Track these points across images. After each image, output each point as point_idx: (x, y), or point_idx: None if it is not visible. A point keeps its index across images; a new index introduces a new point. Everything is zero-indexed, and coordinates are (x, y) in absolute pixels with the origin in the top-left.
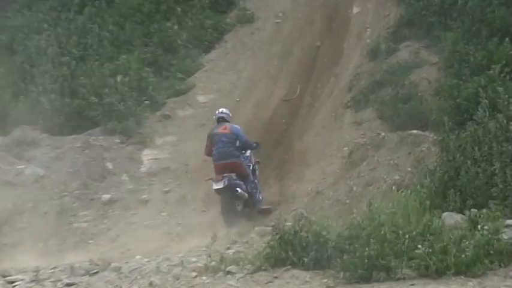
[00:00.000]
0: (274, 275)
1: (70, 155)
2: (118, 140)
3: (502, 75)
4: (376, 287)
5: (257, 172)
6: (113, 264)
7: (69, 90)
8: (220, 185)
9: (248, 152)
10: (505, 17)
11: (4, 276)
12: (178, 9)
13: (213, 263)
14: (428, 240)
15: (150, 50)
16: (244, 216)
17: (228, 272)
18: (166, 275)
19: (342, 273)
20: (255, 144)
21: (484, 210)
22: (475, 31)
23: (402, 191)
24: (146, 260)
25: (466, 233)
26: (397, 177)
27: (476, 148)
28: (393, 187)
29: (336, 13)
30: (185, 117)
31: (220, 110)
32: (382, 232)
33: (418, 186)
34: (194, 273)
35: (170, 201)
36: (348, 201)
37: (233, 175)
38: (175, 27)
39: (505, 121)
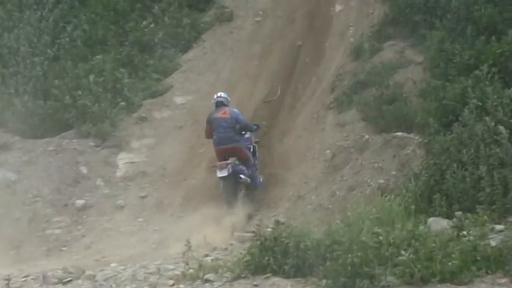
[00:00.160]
0: (254, 283)
1: (43, 158)
2: (92, 143)
3: (489, 75)
4: None
5: (257, 153)
6: (87, 272)
7: (41, 91)
8: (224, 173)
9: (248, 133)
10: (491, 15)
11: None
12: (156, 7)
13: (191, 270)
14: (413, 246)
15: (126, 50)
16: (245, 203)
17: (207, 280)
18: (143, 283)
19: (324, 281)
20: (255, 127)
21: (471, 215)
22: (461, 30)
23: (386, 196)
24: (122, 267)
25: (452, 238)
26: (381, 181)
27: (463, 151)
28: (377, 191)
29: (318, 11)
30: (162, 119)
31: (219, 94)
32: (366, 238)
33: (403, 191)
34: (171, 282)
35: (147, 206)
36: (330, 206)
37: (235, 160)
38: (152, 26)
39: (492, 123)
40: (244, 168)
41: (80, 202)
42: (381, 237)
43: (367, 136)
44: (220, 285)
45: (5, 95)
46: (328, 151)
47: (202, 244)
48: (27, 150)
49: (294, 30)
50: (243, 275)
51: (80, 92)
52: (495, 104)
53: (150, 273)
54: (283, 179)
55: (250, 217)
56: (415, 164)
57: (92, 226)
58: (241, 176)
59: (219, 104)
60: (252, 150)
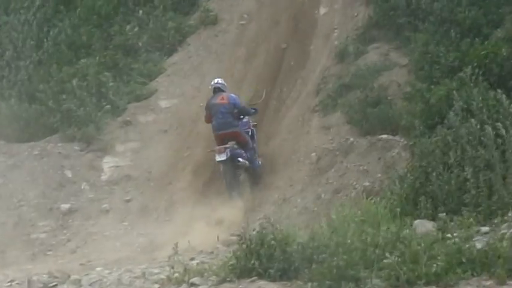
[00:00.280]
0: (240, 286)
1: (28, 163)
2: (77, 147)
3: (473, 77)
4: None
5: (255, 136)
6: (73, 277)
7: (26, 95)
8: (223, 157)
9: (246, 117)
10: (476, 17)
11: None
12: (140, 11)
13: (176, 274)
14: (399, 249)
15: (110, 54)
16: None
17: (192, 284)
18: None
19: (309, 284)
20: (253, 110)
21: (456, 217)
22: (446, 32)
23: (372, 198)
24: (107, 271)
25: (437, 240)
26: (366, 183)
27: (448, 153)
28: (363, 194)
29: (303, 14)
30: (147, 123)
31: (216, 81)
32: (351, 241)
33: (388, 193)
34: (157, 285)
35: (132, 210)
36: (316, 209)
37: (234, 144)
38: (136, 29)
39: (478, 125)
40: (243, 151)
41: (65, 206)
42: (366, 240)
43: (352, 139)
44: None
45: None
46: (313, 154)
47: (187, 248)
48: (12, 155)
49: (278, 33)
50: (228, 279)
51: (64, 96)
52: (480, 106)
53: (136, 277)
54: (268, 182)
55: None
56: (400, 166)
57: (77, 230)
58: (240, 159)
59: (217, 90)
60: (250, 133)
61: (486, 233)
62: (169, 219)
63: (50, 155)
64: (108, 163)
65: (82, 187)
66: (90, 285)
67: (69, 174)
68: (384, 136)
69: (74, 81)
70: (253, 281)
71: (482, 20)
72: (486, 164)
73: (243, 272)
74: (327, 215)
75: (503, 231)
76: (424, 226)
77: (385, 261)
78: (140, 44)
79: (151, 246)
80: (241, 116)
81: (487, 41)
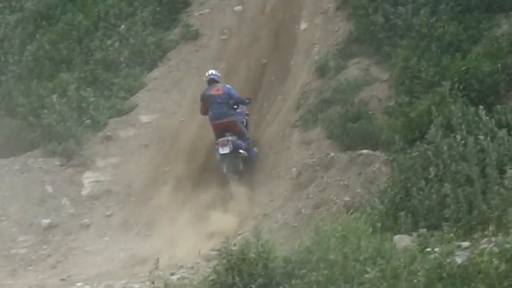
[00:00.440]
0: None
1: (8, 178)
2: (58, 162)
3: (453, 92)
4: None
5: (248, 125)
6: None
7: (6, 110)
8: (227, 150)
9: (240, 107)
10: (455, 32)
11: None
12: (121, 26)
13: None
14: (379, 264)
15: (91, 69)
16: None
17: None
18: None
19: None
20: (247, 100)
21: (437, 232)
22: (426, 47)
23: (352, 213)
24: (88, 287)
25: (417, 255)
26: (347, 198)
27: (428, 168)
28: (343, 209)
29: (283, 29)
30: (128, 138)
31: (210, 72)
32: (332, 256)
33: (369, 208)
34: None
35: (112, 225)
36: (296, 224)
37: (235, 137)
38: (117, 44)
39: (458, 140)
40: (242, 142)
41: (45, 221)
42: (347, 255)
43: (332, 154)
44: None
45: None
46: (293, 169)
47: (168, 263)
48: None
49: (259, 48)
50: None
51: (45, 111)
52: (460, 121)
53: None
54: (249, 197)
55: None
56: (381, 181)
57: (57, 245)
58: (241, 150)
59: (211, 82)
60: (244, 123)
61: (466, 248)
62: (150, 234)
63: (30, 170)
64: (88, 178)
65: (62, 202)
66: None
67: (49, 189)
68: (365, 151)
69: (55, 97)
70: None
71: (462, 35)
72: (466, 179)
73: (223, 287)
74: (308, 230)
75: (483, 246)
76: (404, 241)
77: (365, 276)
78: (121, 58)
79: (132, 261)
80: (236, 106)
81: (468, 56)
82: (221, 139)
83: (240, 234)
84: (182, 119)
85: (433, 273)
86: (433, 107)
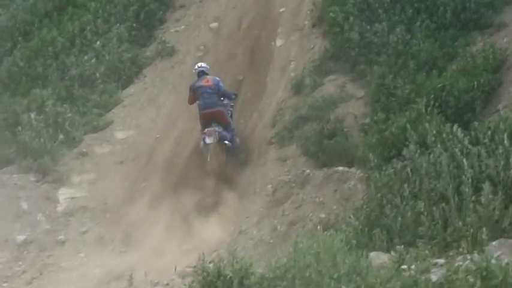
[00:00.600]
0: None
1: None
2: (33, 178)
3: (429, 109)
4: None
5: (232, 116)
6: None
7: None
8: (212, 140)
9: (226, 100)
10: (431, 49)
11: None
12: (97, 42)
13: None
14: (355, 281)
15: (66, 85)
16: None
17: None
18: None
19: None
20: (233, 96)
21: (412, 249)
22: (402, 64)
23: (328, 230)
24: None
25: (393, 273)
26: (322, 215)
27: (404, 185)
28: (319, 226)
29: (259, 46)
30: (103, 154)
31: (199, 65)
32: (307, 273)
33: (344, 225)
34: None
35: (88, 241)
36: (272, 241)
37: (221, 128)
38: (93, 61)
39: (433, 157)
40: (227, 133)
41: (20, 237)
42: (322, 273)
43: (308, 171)
44: None
45: None
46: (269, 186)
47: (143, 279)
48: None
49: (235, 65)
50: None
51: (20, 127)
52: (436, 138)
53: None
54: (225, 213)
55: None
56: (357, 198)
57: (32, 261)
58: (226, 142)
59: (201, 74)
60: (230, 115)
61: (442, 265)
62: (126, 251)
63: (5, 186)
64: (64, 194)
65: (38, 218)
66: None
67: (24, 205)
68: (340, 168)
69: (30, 113)
70: None
71: (438, 52)
72: (441, 197)
73: None
74: (284, 247)
75: (458, 264)
76: (380, 258)
77: None
78: (97, 75)
79: (107, 278)
80: (222, 98)
81: (444, 73)
82: (208, 129)
83: (215, 251)
84: (158, 136)
85: None
86: (408, 125)
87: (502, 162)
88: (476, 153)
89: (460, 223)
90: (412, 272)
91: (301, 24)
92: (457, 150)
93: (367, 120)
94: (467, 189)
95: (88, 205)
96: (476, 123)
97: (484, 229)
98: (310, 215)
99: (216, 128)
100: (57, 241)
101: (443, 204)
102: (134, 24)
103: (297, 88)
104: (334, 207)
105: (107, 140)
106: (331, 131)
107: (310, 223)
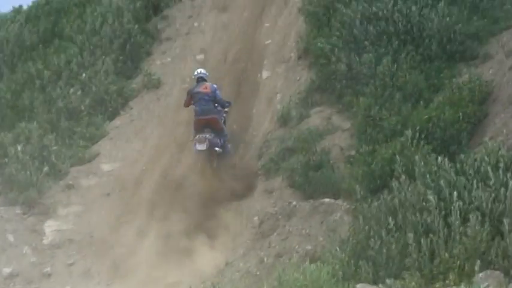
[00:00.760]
0: None
1: None
2: (19, 211)
3: (415, 141)
4: None
5: (226, 122)
6: None
7: None
8: (203, 147)
9: (220, 106)
10: (417, 81)
11: None
12: (83, 74)
13: None
14: None
15: (52, 117)
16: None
17: None
18: None
19: None
20: (227, 104)
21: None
22: (388, 96)
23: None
24: None
25: None
26: (309, 247)
27: (390, 217)
28: (305, 258)
29: (245, 78)
30: (89, 187)
31: (199, 71)
32: None
33: (330, 257)
34: None
35: (74, 274)
36: (258, 273)
37: (212, 134)
38: (79, 93)
39: (421, 189)
40: (218, 140)
41: (6, 270)
42: None
43: (294, 202)
44: None
45: None
46: (256, 218)
47: None
48: None
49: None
50: None
51: (6, 160)
52: (422, 170)
53: None
54: (211, 245)
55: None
56: (343, 230)
57: None
58: (216, 148)
59: (200, 80)
60: (223, 121)
61: None
62: (112, 283)
63: None
64: (50, 227)
65: (24, 251)
66: None
67: (11, 238)
68: (327, 200)
69: (19, 146)
70: None
71: (424, 84)
72: (427, 228)
73: None
74: (270, 279)
75: None
76: None
77: None
78: (83, 107)
79: None
80: (216, 105)
81: (430, 105)
82: (199, 136)
83: (202, 283)
84: (144, 168)
85: None
86: (394, 156)
87: (489, 194)
88: (463, 184)
89: (447, 255)
90: None
91: (287, 56)
92: (443, 181)
93: (353, 152)
94: (454, 221)
95: (74, 237)
96: (462, 155)
97: (471, 261)
98: (297, 247)
99: (207, 135)
100: (44, 274)
101: (431, 236)
102: (120, 57)
103: (283, 120)
104: (321, 239)
105: (93, 172)
106: (318, 162)
107: (296, 255)
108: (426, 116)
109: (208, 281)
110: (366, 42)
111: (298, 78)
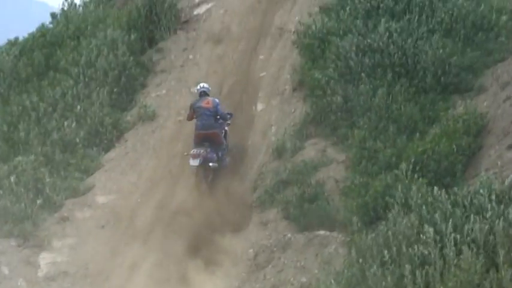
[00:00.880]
0: None
1: None
2: (14, 243)
3: (409, 173)
4: None
5: (228, 135)
6: None
7: None
8: (196, 163)
9: (222, 119)
10: (411, 113)
11: None
12: (78, 106)
13: None
14: None
15: (47, 149)
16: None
17: None
18: None
19: None
20: (229, 116)
21: None
22: (383, 128)
23: None
24: None
25: None
26: (304, 279)
27: (386, 249)
28: None
29: (240, 110)
30: (84, 219)
31: (202, 85)
32: None
33: None
34: None
35: None
36: None
37: (209, 149)
38: (74, 125)
39: (416, 221)
40: (215, 154)
41: None
42: None
43: (289, 235)
44: None
45: None
46: (251, 250)
47: None
48: None
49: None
50: None
51: (1, 192)
52: (418, 201)
53: None
54: (205, 279)
55: None
56: (338, 262)
57: None
58: (211, 164)
59: (202, 94)
60: (223, 134)
61: None
62: None
63: None
64: (45, 259)
65: (18, 283)
66: None
67: (5, 270)
68: (322, 232)
69: (11, 178)
70: None
71: (418, 116)
72: (423, 260)
73: None
74: None
75: None
76: None
77: None
78: (78, 139)
79: None
80: (218, 117)
81: (425, 136)
82: (193, 151)
83: None
84: (139, 200)
85: None
86: (389, 189)
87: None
88: (458, 216)
89: (442, 287)
90: None
91: (282, 89)
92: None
93: (348, 184)
94: (449, 253)
95: (69, 270)
96: (456, 188)
97: None
98: (292, 279)
99: (202, 150)
100: None
101: (427, 267)
102: (115, 89)
103: (278, 152)
104: (316, 271)
105: (88, 204)
106: (312, 195)
107: (291, 287)
108: (421, 149)
109: None
110: (363, 74)
111: (293, 110)
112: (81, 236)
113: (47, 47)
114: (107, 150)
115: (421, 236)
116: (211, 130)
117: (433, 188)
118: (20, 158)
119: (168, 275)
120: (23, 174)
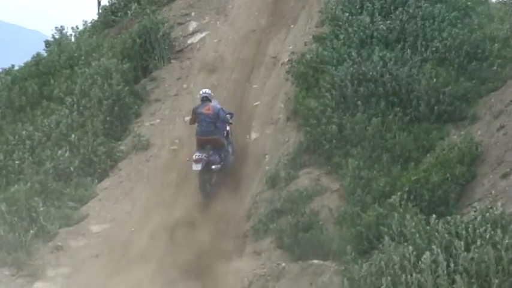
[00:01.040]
0: None
1: None
2: (8, 272)
3: (403, 202)
4: None
5: (230, 134)
6: None
7: None
8: (199, 167)
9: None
10: (405, 143)
11: None
12: (72, 136)
13: None
14: None
15: (41, 179)
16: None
17: None
18: None
19: None
20: (230, 116)
21: None
22: (377, 157)
23: None
24: None
25: None
26: None
27: (381, 278)
28: None
29: (234, 139)
30: (78, 248)
31: (204, 91)
32: None
33: None
34: None
35: None
36: None
37: (211, 152)
38: (67, 154)
39: (411, 250)
40: (217, 156)
41: None
42: None
43: (283, 264)
44: None
45: None
46: (245, 279)
47: None
48: None
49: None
50: None
51: None
52: (413, 230)
53: None
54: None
55: None
56: None
57: None
58: (213, 167)
59: (204, 99)
60: (226, 134)
61: None
62: None
63: None
64: None
65: None
66: None
67: None
68: (316, 261)
69: (5, 207)
70: None
71: (412, 145)
72: None
73: None
74: None
75: None
76: None
77: None
78: (71, 168)
79: None
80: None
81: (419, 165)
82: (195, 156)
83: None
84: (133, 229)
85: None
86: (383, 218)
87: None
88: (453, 245)
89: None
90: None
91: (276, 118)
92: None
93: (342, 213)
94: (443, 283)
95: None
96: (449, 217)
97: None
98: None
99: (204, 155)
100: None
101: None
102: (109, 118)
103: (272, 181)
104: None
105: (82, 233)
106: (307, 224)
107: None
108: (414, 178)
109: None
110: (359, 102)
111: (286, 139)
112: (75, 265)
113: (40, 76)
114: (100, 179)
115: (418, 263)
116: (211, 136)
117: (428, 217)
118: (15, 186)
119: None
120: (16, 203)
